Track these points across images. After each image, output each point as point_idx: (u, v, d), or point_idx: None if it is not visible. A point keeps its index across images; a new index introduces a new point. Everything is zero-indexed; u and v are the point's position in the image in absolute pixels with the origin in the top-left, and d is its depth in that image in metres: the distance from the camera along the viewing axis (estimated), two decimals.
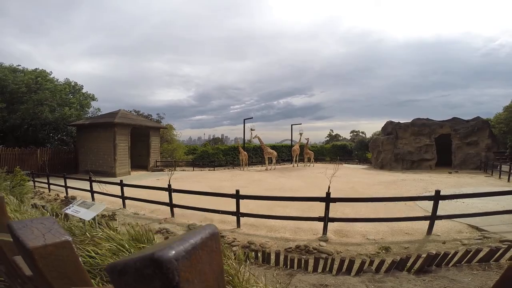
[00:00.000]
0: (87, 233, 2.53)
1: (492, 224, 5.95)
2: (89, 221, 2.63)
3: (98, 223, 3.00)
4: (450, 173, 18.68)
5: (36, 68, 23.12)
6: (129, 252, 2.56)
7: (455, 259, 3.33)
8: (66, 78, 25.31)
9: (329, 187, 6.22)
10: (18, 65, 22.67)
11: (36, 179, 13.02)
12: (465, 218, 6.06)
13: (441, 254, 3.24)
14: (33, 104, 20.17)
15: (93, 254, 2.26)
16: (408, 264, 3.39)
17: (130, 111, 27.20)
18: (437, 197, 5.64)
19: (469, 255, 3.27)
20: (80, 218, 2.74)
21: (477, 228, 5.89)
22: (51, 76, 23.58)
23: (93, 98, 26.53)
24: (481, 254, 3.33)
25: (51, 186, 11.94)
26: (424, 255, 3.38)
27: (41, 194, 11.32)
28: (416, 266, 3.38)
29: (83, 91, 26.07)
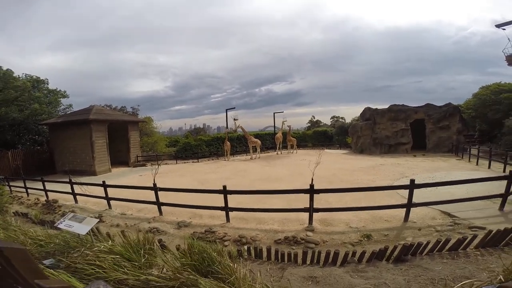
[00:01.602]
0: (85, 251, 2.55)
1: (462, 210, 6.49)
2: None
3: (93, 232, 3.02)
4: (415, 156, 20.11)
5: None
6: (130, 262, 2.63)
7: (428, 248, 3.68)
8: (26, 74, 23.46)
9: (312, 179, 6.46)
10: None
11: (11, 184, 12.38)
12: (438, 205, 6.59)
13: (415, 244, 3.59)
14: (1, 105, 18.86)
15: (97, 269, 2.32)
16: (387, 253, 3.72)
17: (103, 106, 26.10)
18: (412, 186, 6.06)
19: (440, 244, 3.62)
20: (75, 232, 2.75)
21: (448, 215, 6.42)
22: (14, 74, 21.86)
23: (63, 95, 25.06)
24: (450, 243, 3.70)
25: (29, 190, 11.42)
26: (400, 245, 3.70)
27: (19, 198, 10.81)
28: (395, 254, 3.71)
29: (51, 87, 24.54)
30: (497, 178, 6.89)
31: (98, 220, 3.02)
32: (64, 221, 2.79)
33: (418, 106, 23.70)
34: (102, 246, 2.60)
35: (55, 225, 2.93)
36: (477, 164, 14.58)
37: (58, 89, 24.94)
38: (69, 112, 23.60)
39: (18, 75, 22.26)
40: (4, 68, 21.13)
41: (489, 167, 13.34)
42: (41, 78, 23.92)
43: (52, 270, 2.07)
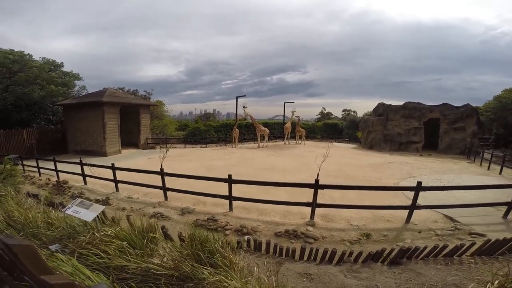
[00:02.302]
0: (95, 233, 2.70)
1: (465, 215, 6.44)
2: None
3: (99, 217, 3.16)
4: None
5: (12, 49, 21.74)
6: (134, 250, 2.76)
7: (424, 252, 3.71)
8: (43, 57, 23.86)
9: (318, 174, 6.48)
10: None
11: (25, 163, 12.78)
12: (442, 209, 6.54)
13: (412, 249, 3.63)
14: (22, 84, 19.35)
15: (102, 255, 2.46)
16: (384, 255, 3.77)
17: (116, 89, 26.44)
18: (418, 188, 6.01)
19: (436, 250, 3.65)
20: (81, 219, 2.90)
21: (451, 219, 6.38)
22: (30, 56, 22.34)
23: (77, 78, 25.47)
24: (447, 250, 3.72)
25: (41, 170, 11.75)
26: (397, 248, 3.74)
27: (31, 178, 11.13)
28: (391, 256, 3.76)
29: (66, 70, 24.97)
30: (505, 186, 6.75)
31: (104, 207, 3.15)
32: (71, 206, 2.94)
33: (434, 105, 23.02)
34: (110, 232, 2.74)
35: (62, 210, 3.08)
36: (488, 168, 14.23)
37: (72, 72, 25.38)
38: (83, 94, 24.04)
39: (35, 58, 22.81)
40: (21, 51, 21.69)
41: (500, 173, 13.00)
42: (57, 62, 24.39)
43: (61, 255, 2.20)
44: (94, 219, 2.88)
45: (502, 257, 3.72)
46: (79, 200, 3.06)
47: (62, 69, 24.65)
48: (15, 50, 21.53)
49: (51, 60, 24.03)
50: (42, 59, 23.58)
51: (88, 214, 2.85)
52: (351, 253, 3.88)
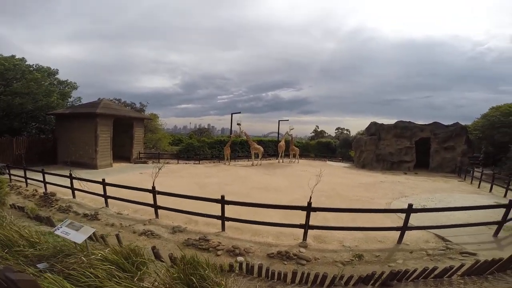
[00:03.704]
0: (82, 257, 2.63)
1: (457, 234, 6.50)
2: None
3: (91, 238, 3.10)
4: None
5: (13, 55, 21.60)
6: (124, 272, 2.69)
7: (414, 275, 3.73)
8: (37, 64, 23.37)
9: (310, 197, 6.50)
10: None
11: (12, 172, 12.44)
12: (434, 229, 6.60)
13: (402, 271, 3.65)
14: (17, 94, 19.15)
15: (92, 277, 2.40)
16: (375, 277, 3.76)
17: (112, 100, 26.41)
18: (409, 210, 6.08)
19: (426, 272, 3.69)
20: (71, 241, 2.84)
21: (442, 239, 6.43)
22: (28, 63, 22.14)
23: (73, 87, 25.43)
24: (437, 271, 3.76)
25: (29, 181, 11.45)
26: (389, 268, 3.75)
27: (18, 188, 10.86)
28: (383, 277, 3.76)
29: (63, 79, 24.85)
30: (495, 206, 6.89)
31: (94, 230, 3.09)
32: (61, 227, 2.88)
33: (425, 124, 23.62)
34: (99, 255, 2.68)
35: (52, 230, 3.02)
36: (478, 187, 14.52)
37: (68, 80, 25.30)
38: (78, 104, 23.91)
39: (31, 64, 22.60)
40: (19, 57, 21.52)
41: (490, 191, 13.30)
42: (52, 69, 24.13)
43: (51, 275, 2.14)
44: (84, 242, 2.81)
45: (491, 276, 3.78)
46: (69, 221, 3.00)
47: (56, 76, 24.41)
48: (16, 57, 21.28)
49: (45, 67, 23.66)
50: (36, 66, 23.09)
51: (77, 236, 2.79)
52: (342, 277, 3.85)
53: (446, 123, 23.33)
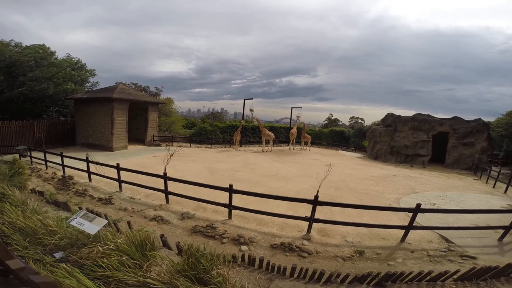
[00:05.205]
0: (98, 247, 2.87)
1: (461, 236, 6.45)
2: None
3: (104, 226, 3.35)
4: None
5: (33, 44, 22.61)
6: (133, 261, 2.93)
7: (409, 277, 3.81)
8: (67, 53, 24.92)
9: (318, 191, 6.55)
10: (11, 40, 22.20)
11: (33, 155, 13.09)
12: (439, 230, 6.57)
13: (397, 273, 3.74)
14: (39, 80, 20.04)
15: (104, 266, 2.63)
16: (371, 277, 3.88)
17: (128, 84, 26.90)
18: (416, 210, 6.05)
19: (421, 275, 3.76)
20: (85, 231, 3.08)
21: (446, 240, 6.39)
22: (52, 50, 23.27)
23: (92, 74, 26.13)
24: (432, 275, 3.82)
25: (48, 164, 12.00)
26: (383, 272, 3.85)
27: (38, 171, 11.40)
28: (376, 280, 3.87)
29: (81, 64, 25.80)
30: (504, 211, 6.74)
31: (106, 221, 3.33)
32: (76, 218, 3.12)
33: (445, 118, 22.74)
34: (112, 245, 2.91)
35: (67, 221, 3.27)
36: (493, 186, 14.07)
37: (86, 66, 26.03)
38: (95, 88, 24.63)
39: (58, 55, 23.68)
40: (40, 43, 22.58)
41: (505, 192, 12.84)
42: (81, 61, 25.31)
43: (65, 266, 2.38)
44: (98, 233, 3.04)
45: (483, 282, 3.85)
46: (83, 212, 3.24)
47: (80, 65, 25.38)
48: (46, 46, 22.58)
49: (75, 58, 24.93)
50: (66, 55, 24.58)
51: (91, 227, 3.02)
52: (338, 275, 3.98)
53: (468, 117, 22.51)
